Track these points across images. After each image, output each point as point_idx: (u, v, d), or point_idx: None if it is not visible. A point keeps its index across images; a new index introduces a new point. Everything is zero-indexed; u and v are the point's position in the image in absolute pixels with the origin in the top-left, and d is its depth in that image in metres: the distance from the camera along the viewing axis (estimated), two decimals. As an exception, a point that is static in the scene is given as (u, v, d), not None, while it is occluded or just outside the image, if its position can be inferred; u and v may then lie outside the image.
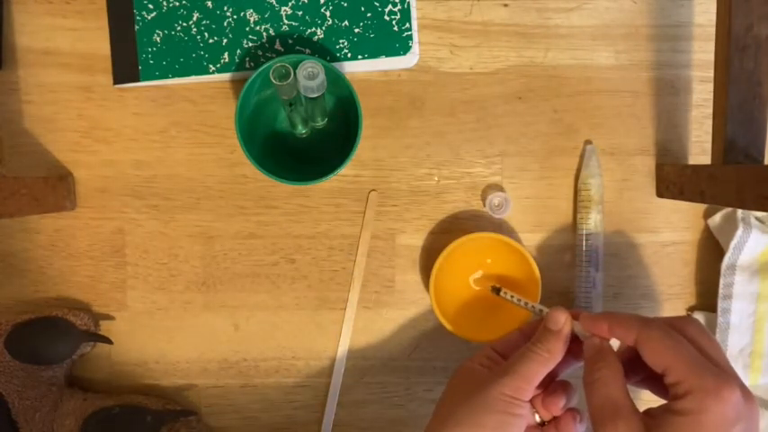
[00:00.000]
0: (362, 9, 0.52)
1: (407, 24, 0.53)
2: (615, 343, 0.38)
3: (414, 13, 0.53)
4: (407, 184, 0.54)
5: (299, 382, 0.55)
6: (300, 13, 0.52)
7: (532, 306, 0.44)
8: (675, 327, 0.35)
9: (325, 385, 0.55)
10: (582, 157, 0.55)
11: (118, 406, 0.50)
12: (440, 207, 0.55)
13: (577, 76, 0.54)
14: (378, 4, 0.52)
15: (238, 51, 0.53)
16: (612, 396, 0.33)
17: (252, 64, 0.53)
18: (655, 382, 0.36)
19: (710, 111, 0.48)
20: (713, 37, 0.48)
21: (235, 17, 0.52)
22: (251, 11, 0.52)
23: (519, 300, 0.46)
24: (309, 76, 0.44)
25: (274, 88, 0.46)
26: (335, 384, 0.55)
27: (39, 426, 0.50)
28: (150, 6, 0.52)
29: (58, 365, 0.50)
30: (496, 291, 0.49)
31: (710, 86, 0.49)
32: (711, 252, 0.55)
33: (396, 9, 0.52)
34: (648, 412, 0.33)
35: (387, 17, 0.52)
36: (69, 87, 0.53)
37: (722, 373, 0.32)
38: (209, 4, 0.52)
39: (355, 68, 0.53)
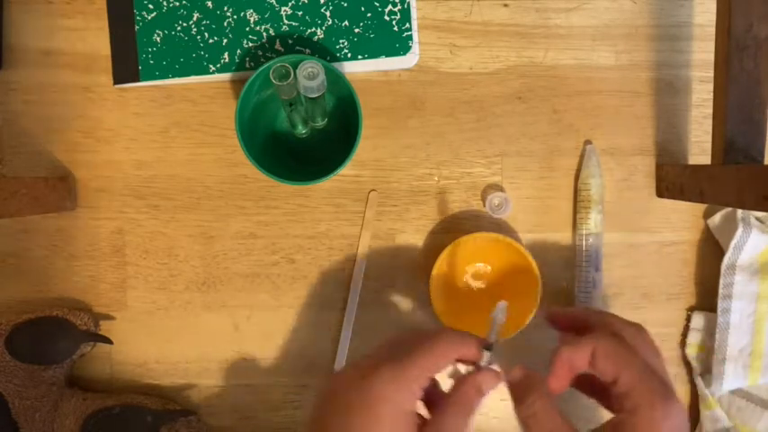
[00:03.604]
0: (362, 9, 0.52)
1: (407, 24, 0.53)
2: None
3: (414, 13, 0.53)
4: (407, 184, 0.54)
5: (299, 381, 0.55)
6: (300, 13, 0.52)
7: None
8: (624, 334, 0.34)
9: (325, 385, 0.55)
10: (582, 157, 0.55)
11: (118, 406, 0.50)
12: (440, 207, 0.55)
13: (577, 76, 0.54)
14: (378, 4, 0.52)
15: (238, 51, 0.53)
16: (555, 429, 0.32)
17: (252, 64, 0.53)
18: (591, 386, 0.36)
19: (710, 111, 0.48)
20: (713, 37, 0.48)
21: (235, 17, 0.52)
22: (251, 11, 0.52)
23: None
24: (309, 76, 0.44)
25: (274, 88, 0.46)
26: (335, 384, 0.55)
27: (39, 426, 0.50)
28: (150, 6, 0.52)
29: (59, 365, 0.50)
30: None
31: (710, 86, 0.49)
32: (711, 252, 0.55)
33: (396, 9, 0.52)
34: None
35: (387, 17, 0.52)
36: (69, 87, 0.53)
37: (669, 386, 0.32)
38: (210, 4, 0.52)
39: (355, 68, 0.53)
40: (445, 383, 0.35)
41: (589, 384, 0.36)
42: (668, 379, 0.33)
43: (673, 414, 0.30)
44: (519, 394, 0.33)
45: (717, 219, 0.54)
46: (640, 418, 0.30)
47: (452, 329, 0.35)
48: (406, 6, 0.52)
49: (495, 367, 0.35)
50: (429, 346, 0.33)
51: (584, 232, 0.53)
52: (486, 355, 0.34)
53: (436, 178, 0.54)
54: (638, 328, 0.35)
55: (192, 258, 0.54)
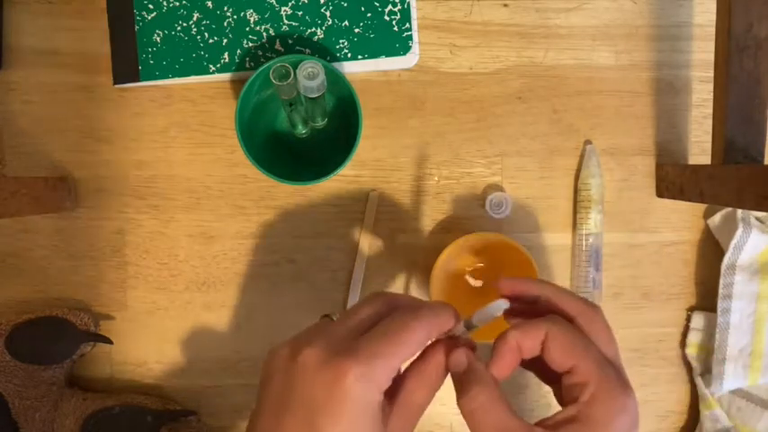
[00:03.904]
0: (362, 9, 0.52)
1: (407, 24, 0.53)
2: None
3: (414, 13, 0.53)
4: (407, 184, 0.54)
5: (299, 382, 0.55)
6: (300, 13, 0.52)
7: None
8: (578, 316, 0.32)
9: (325, 385, 0.55)
10: (582, 157, 0.55)
11: (118, 406, 0.50)
12: (440, 207, 0.55)
13: (577, 76, 0.54)
14: (378, 4, 0.52)
15: (238, 51, 0.53)
16: (501, 424, 0.29)
17: (252, 64, 0.53)
18: (539, 367, 0.33)
19: (710, 111, 0.48)
20: (713, 37, 0.48)
21: (235, 17, 0.52)
22: (251, 11, 0.52)
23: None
24: (309, 76, 0.44)
25: (274, 88, 0.46)
26: (335, 384, 0.55)
27: (39, 426, 0.50)
28: (150, 6, 0.52)
29: (59, 365, 0.50)
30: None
31: (710, 86, 0.49)
32: (711, 252, 0.55)
33: (396, 9, 0.52)
34: (543, 424, 0.29)
35: (387, 17, 0.52)
36: (69, 87, 0.53)
37: (626, 378, 0.30)
38: (210, 4, 0.52)
39: (355, 68, 0.53)
40: None
41: (537, 365, 0.33)
42: (623, 369, 0.31)
43: (629, 407, 0.29)
44: (461, 385, 0.30)
45: (717, 219, 0.54)
46: (596, 411, 0.29)
47: (432, 309, 0.31)
48: (406, 6, 0.52)
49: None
50: (406, 335, 0.29)
51: (584, 232, 0.53)
52: (463, 330, 0.32)
53: (436, 178, 0.54)
54: (594, 310, 0.32)
55: (192, 258, 0.54)
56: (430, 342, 0.32)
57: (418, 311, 0.31)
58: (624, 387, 0.29)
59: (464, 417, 0.30)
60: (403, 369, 0.32)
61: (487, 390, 0.30)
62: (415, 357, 0.32)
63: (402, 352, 0.29)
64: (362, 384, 0.28)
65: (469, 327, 0.33)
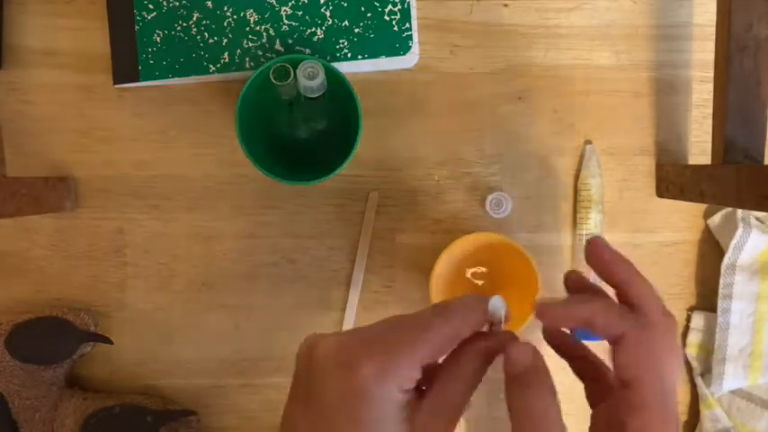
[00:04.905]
0: (362, 9, 0.52)
1: (407, 24, 0.53)
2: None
3: (414, 13, 0.53)
4: (407, 184, 0.54)
5: (299, 382, 0.55)
6: (300, 13, 0.52)
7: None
8: (656, 326, 0.28)
9: (325, 385, 0.55)
10: (582, 157, 0.55)
11: (118, 406, 0.50)
12: (440, 207, 0.55)
13: (577, 76, 0.54)
14: (378, 4, 0.52)
15: (238, 51, 0.53)
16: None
17: (252, 64, 0.53)
18: (576, 358, 0.31)
19: (710, 111, 0.48)
20: (713, 37, 0.48)
21: (235, 17, 0.52)
22: (251, 11, 0.52)
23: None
24: (309, 76, 0.44)
25: (274, 88, 0.46)
26: (335, 384, 0.54)
27: (39, 426, 0.50)
28: (150, 6, 0.52)
29: (59, 365, 0.50)
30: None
31: (710, 86, 0.49)
32: (711, 252, 0.55)
33: (396, 9, 0.52)
34: None
35: (387, 17, 0.52)
36: (69, 87, 0.53)
37: (677, 412, 0.28)
38: (209, 4, 0.52)
39: (355, 68, 0.53)
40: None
41: (574, 356, 0.30)
42: (674, 398, 0.28)
43: None
44: (518, 378, 0.27)
45: (717, 219, 0.54)
46: None
47: (463, 303, 0.29)
48: (406, 6, 0.52)
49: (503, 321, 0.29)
50: (429, 330, 0.27)
51: (584, 232, 0.53)
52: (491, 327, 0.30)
53: (436, 178, 0.54)
54: (670, 322, 0.29)
55: (191, 258, 0.54)
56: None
57: (446, 305, 0.28)
58: (676, 425, 0.27)
59: (512, 415, 0.26)
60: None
61: (549, 394, 0.26)
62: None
63: (424, 348, 0.27)
64: (378, 381, 0.26)
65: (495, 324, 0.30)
